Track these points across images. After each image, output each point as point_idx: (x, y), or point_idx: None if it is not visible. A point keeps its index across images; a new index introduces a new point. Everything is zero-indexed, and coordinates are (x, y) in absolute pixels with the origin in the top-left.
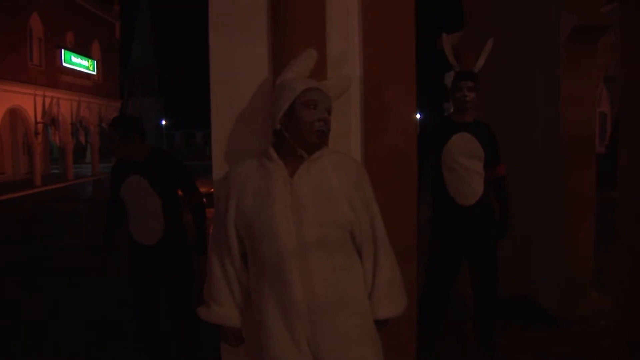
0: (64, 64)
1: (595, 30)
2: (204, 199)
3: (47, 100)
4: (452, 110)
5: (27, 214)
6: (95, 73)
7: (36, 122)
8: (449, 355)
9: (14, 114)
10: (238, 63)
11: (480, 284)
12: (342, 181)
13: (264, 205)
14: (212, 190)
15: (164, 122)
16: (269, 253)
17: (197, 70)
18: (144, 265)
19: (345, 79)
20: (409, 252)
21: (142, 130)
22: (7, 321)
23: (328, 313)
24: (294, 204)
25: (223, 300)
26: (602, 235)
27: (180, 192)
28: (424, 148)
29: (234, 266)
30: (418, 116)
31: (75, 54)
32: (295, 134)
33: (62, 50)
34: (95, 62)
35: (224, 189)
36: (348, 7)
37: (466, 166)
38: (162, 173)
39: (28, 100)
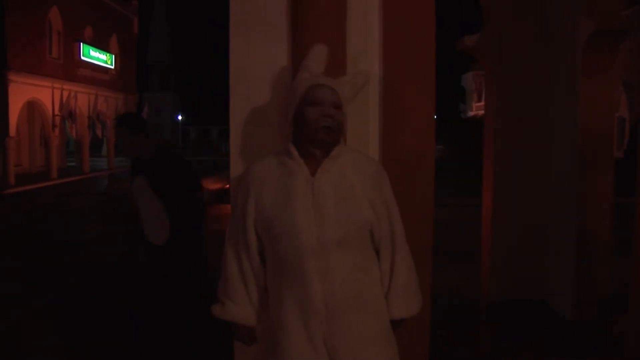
0: (83, 58)
1: (615, 34)
2: (204, 197)
3: (65, 94)
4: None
5: (40, 207)
6: (113, 67)
7: (54, 115)
8: None
9: (31, 106)
10: (257, 60)
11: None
12: (362, 180)
13: (284, 204)
14: (228, 186)
15: (179, 118)
16: (289, 251)
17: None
18: (156, 265)
19: (361, 74)
20: (424, 253)
21: (148, 129)
22: (7, 321)
23: (345, 312)
24: (315, 202)
25: (238, 298)
26: (620, 241)
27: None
28: None
29: (251, 264)
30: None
31: (93, 48)
32: (305, 133)
33: (81, 44)
34: (114, 56)
35: (242, 187)
36: (368, 5)
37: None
38: (167, 174)
39: (46, 93)
